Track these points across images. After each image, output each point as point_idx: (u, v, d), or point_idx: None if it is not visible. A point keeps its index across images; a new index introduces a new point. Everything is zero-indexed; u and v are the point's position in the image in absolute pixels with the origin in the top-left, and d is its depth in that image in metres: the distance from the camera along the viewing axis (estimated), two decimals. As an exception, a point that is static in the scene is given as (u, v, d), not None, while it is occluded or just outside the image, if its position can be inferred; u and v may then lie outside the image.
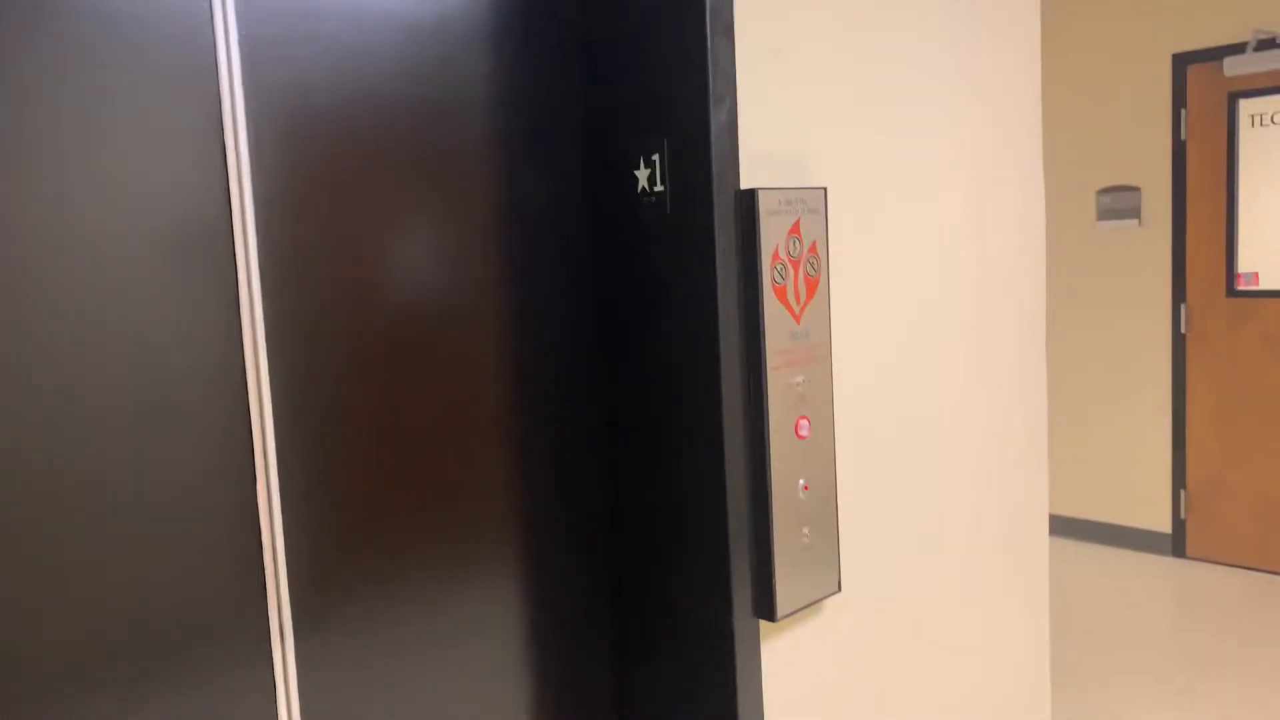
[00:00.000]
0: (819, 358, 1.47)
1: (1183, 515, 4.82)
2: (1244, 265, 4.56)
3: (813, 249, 1.45)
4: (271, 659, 1.22)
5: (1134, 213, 4.82)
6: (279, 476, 1.21)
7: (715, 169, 1.34)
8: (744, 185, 1.39)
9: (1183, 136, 4.66)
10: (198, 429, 1.15)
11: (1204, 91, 4.59)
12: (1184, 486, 4.80)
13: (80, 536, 1.07)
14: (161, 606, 1.13)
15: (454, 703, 1.41)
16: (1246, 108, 4.49)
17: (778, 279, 1.39)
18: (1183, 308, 4.72)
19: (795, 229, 1.41)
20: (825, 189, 1.47)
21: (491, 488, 1.42)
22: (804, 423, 1.46)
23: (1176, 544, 4.86)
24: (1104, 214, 4.91)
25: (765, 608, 1.44)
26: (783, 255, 1.40)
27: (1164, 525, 4.89)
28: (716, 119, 1.34)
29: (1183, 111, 4.64)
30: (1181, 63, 4.63)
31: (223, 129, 1.16)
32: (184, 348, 1.14)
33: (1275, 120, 4.41)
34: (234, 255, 1.17)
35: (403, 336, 1.32)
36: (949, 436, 1.80)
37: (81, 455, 1.07)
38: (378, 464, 1.31)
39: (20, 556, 1.04)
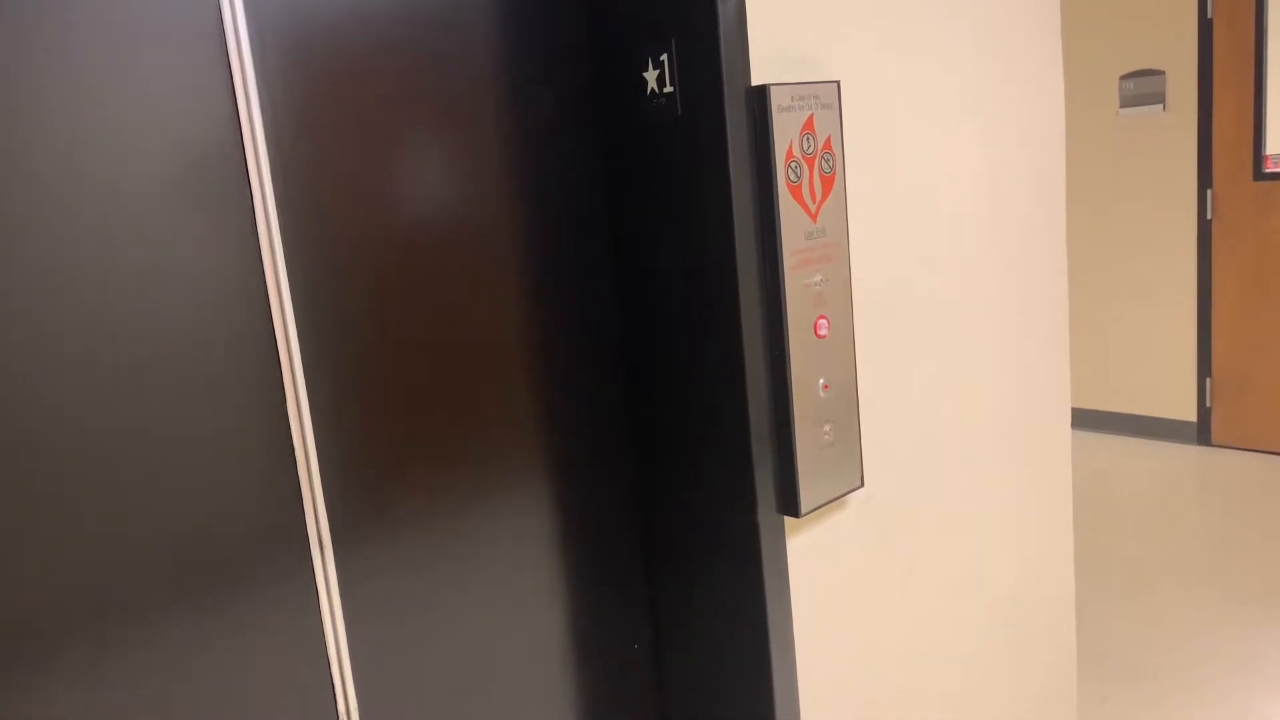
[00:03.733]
0: (836, 256, 1.47)
1: (1208, 404, 4.81)
2: (1272, 147, 4.44)
3: (827, 145, 1.43)
4: (313, 570, 1.26)
5: (1158, 98, 4.69)
6: (308, 394, 1.24)
7: (725, 67, 1.32)
8: (755, 82, 1.36)
9: (1209, 14, 4.50)
10: (225, 351, 1.17)
11: (1232, -34, 4.41)
12: (1210, 375, 4.78)
13: (123, 462, 1.10)
14: (205, 526, 1.17)
15: (490, 608, 1.45)
16: (1277, -20, 4.32)
17: (792, 177, 1.38)
18: (1209, 193, 4.63)
19: (808, 125, 1.39)
20: (838, 83, 1.44)
21: (515, 399, 1.44)
22: (823, 322, 1.46)
23: (1202, 432, 4.86)
24: (1127, 100, 4.78)
25: (789, 505, 1.47)
26: (796, 153, 1.38)
27: (1189, 414, 4.89)
28: (724, 15, 1.31)
29: (1209, -12, 4.47)
30: (1208, -64, 4.45)
31: (227, 50, 1.15)
32: (206, 272, 1.15)
33: (1306, -7, 4.25)
34: (247, 177, 1.17)
35: (420, 252, 1.32)
36: (969, 331, 1.80)
37: (117, 384, 1.09)
38: (404, 379, 1.33)
39: (68, 482, 1.07)
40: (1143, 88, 4.73)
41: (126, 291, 1.10)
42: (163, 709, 1.16)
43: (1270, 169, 4.46)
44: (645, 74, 1.40)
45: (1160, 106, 4.70)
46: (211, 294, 1.16)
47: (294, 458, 1.23)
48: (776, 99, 1.35)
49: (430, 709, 1.40)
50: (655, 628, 1.65)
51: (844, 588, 1.62)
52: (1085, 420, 5.26)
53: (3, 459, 1.03)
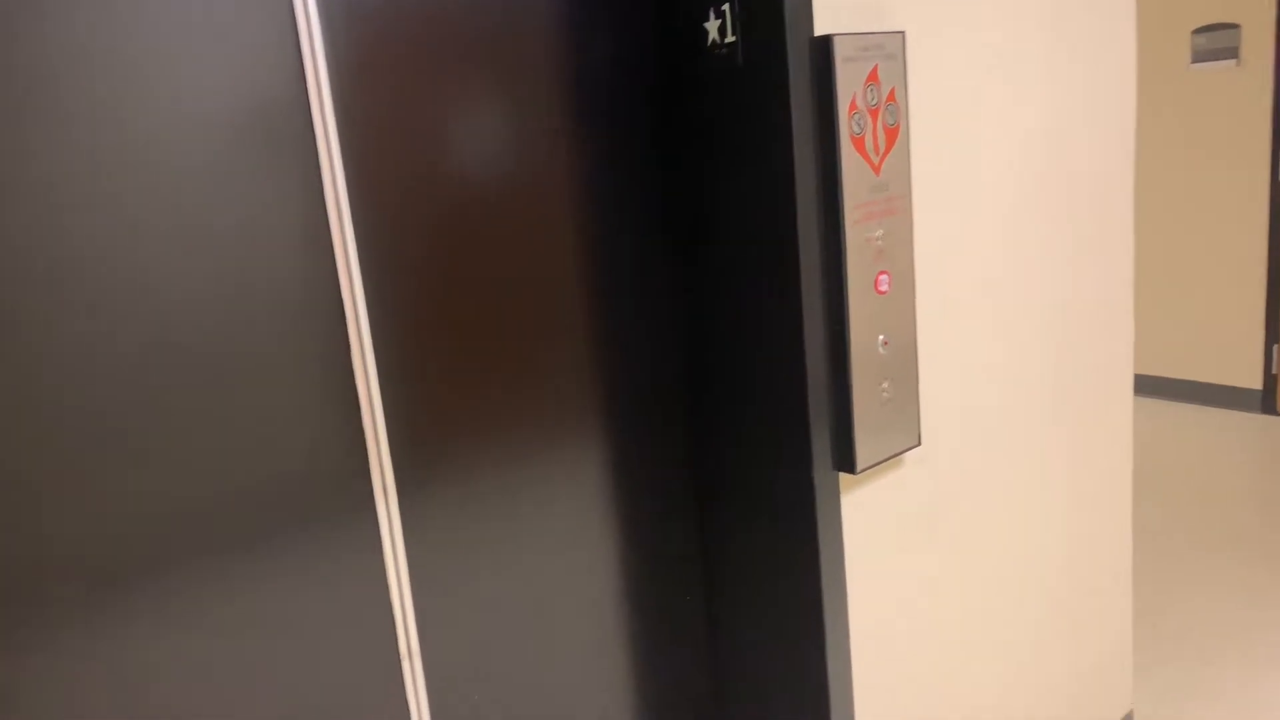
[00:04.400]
0: (899, 210, 1.44)
1: (1274, 370, 4.68)
2: (1352, 105, 4.27)
3: (891, 97, 1.40)
4: (376, 514, 1.29)
5: (1232, 52, 4.52)
6: (372, 341, 1.25)
7: (787, 16, 1.29)
8: (818, 32, 1.34)
9: (1289, -34, 4.32)
10: (292, 297, 1.19)
11: (1316, -86, 4.22)
12: (1277, 341, 4.65)
13: (196, 412, 1.13)
14: (275, 469, 1.20)
15: (545, 554, 1.47)
16: (1363, -71, 4.12)
17: (855, 129, 1.36)
18: (1282, 153, 4.47)
19: (873, 76, 1.37)
20: (903, 33, 1.41)
21: (572, 349, 1.45)
22: (883, 277, 1.45)
23: (1267, 400, 4.74)
24: (1199, 55, 4.62)
25: (845, 461, 1.46)
26: (860, 104, 1.36)
27: (1254, 382, 4.76)
28: (789, -38, 1.28)
29: (1291, -63, 4.29)
30: (1291, -118, 4.25)
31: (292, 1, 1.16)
32: (274, 220, 1.17)
33: (1395, -58, 4.05)
34: (312, 126, 1.18)
35: (481, 202, 1.33)
36: (1032, 291, 1.77)
37: (188, 335, 1.12)
38: (465, 327, 1.34)
39: (145, 431, 1.10)
40: (1215, 42, 4.56)
41: (197, 236, 1.12)
42: (233, 646, 1.19)
43: (1349, 128, 4.29)
44: (706, 24, 1.39)
45: (1234, 61, 4.54)
46: (278, 241, 1.17)
47: (358, 403, 1.25)
48: (840, 49, 1.33)
49: (487, 647, 1.43)
50: (707, 580, 1.66)
51: (897, 546, 1.61)
52: (1147, 386, 5.15)
53: (91, 402, 1.06)
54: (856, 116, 1.36)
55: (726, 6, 1.35)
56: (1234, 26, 4.53)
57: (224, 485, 1.17)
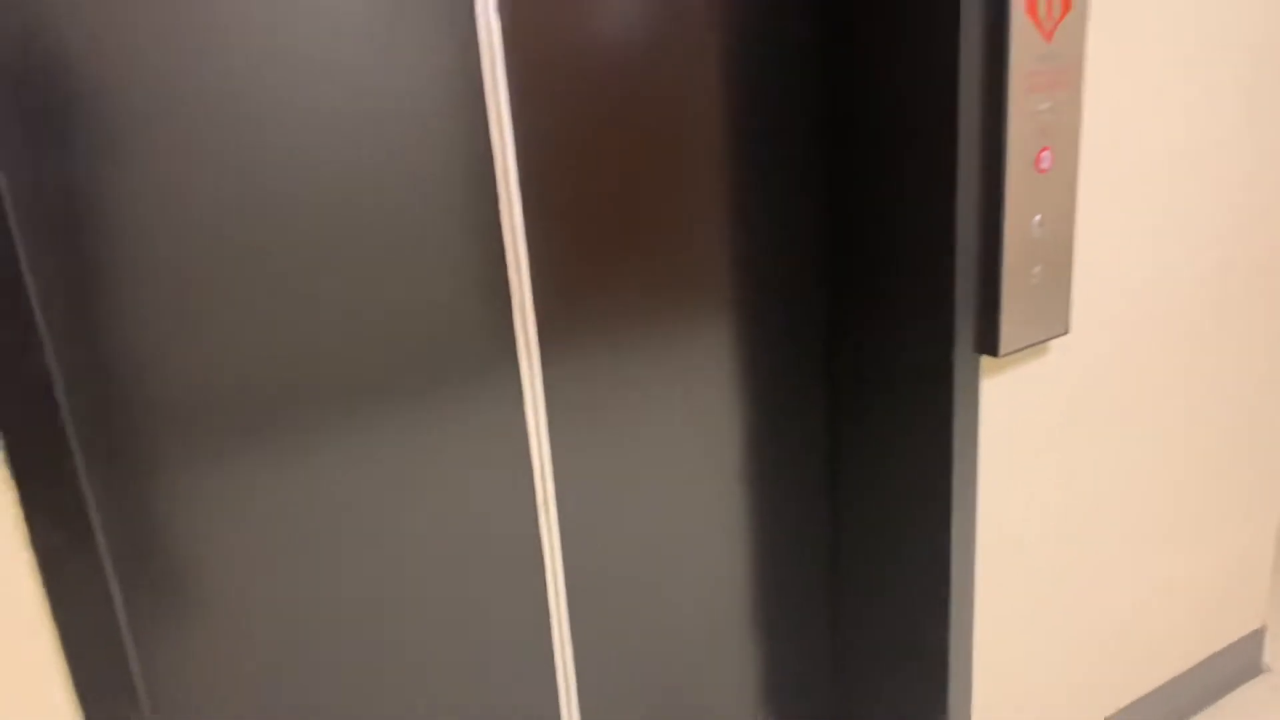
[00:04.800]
0: (1069, 83, 1.36)
1: None
2: None
3: (1071, -43, 1.31)
4: (519, 367, 1.33)
5: None
6: (521, 201, 1.28)
7: None
8: (998, -116, 1.25)
9: None
10: (447, 153, 1.22)
11: None
12: None
13: (361, 267, 1.18)
14: (431, 325, 1.25)
15: (676, 420, 1.50)
16: None
17: (1029, -9, 1.28)
18: None
19: (1053, -67, 1.28)
20: (1092, -114, 1.30)
21: (715, 221, 1.44)
22: (1046, 154, 1.38)
23: None
24: None
25: (988, 344, 1.43)
26: (1037, -36, 1.27)
27: None
28: None
29: None
30: None
31: None
32: (431, 77, 1.19)
33: None
34: (471, -24, 1.19)
35: (632, 66, 1.32)
36: (1205, 179, 1.66)
37: (364, 195, 1.16)
38: (611, 193, 1.35)
39: (313, 288, 1.16)
40: None
41: (364, 93, 1.15)
42: (389, 484, 1.27)
43: None
44: (876, -124, 1.31)
45: None
46: (434, 96, 1.19)
47: (505, 263, 1.29)
48: (1021, -98, 1.24)
49: (617, 503, 1.48)
50: (835, 457, 1.67)
51: (1035, 437, 1.58)
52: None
53: (265, 251, 1.12)
54: (1032, -23, 1.27)
55: None
56: None
57: (389, 333, 1.22)
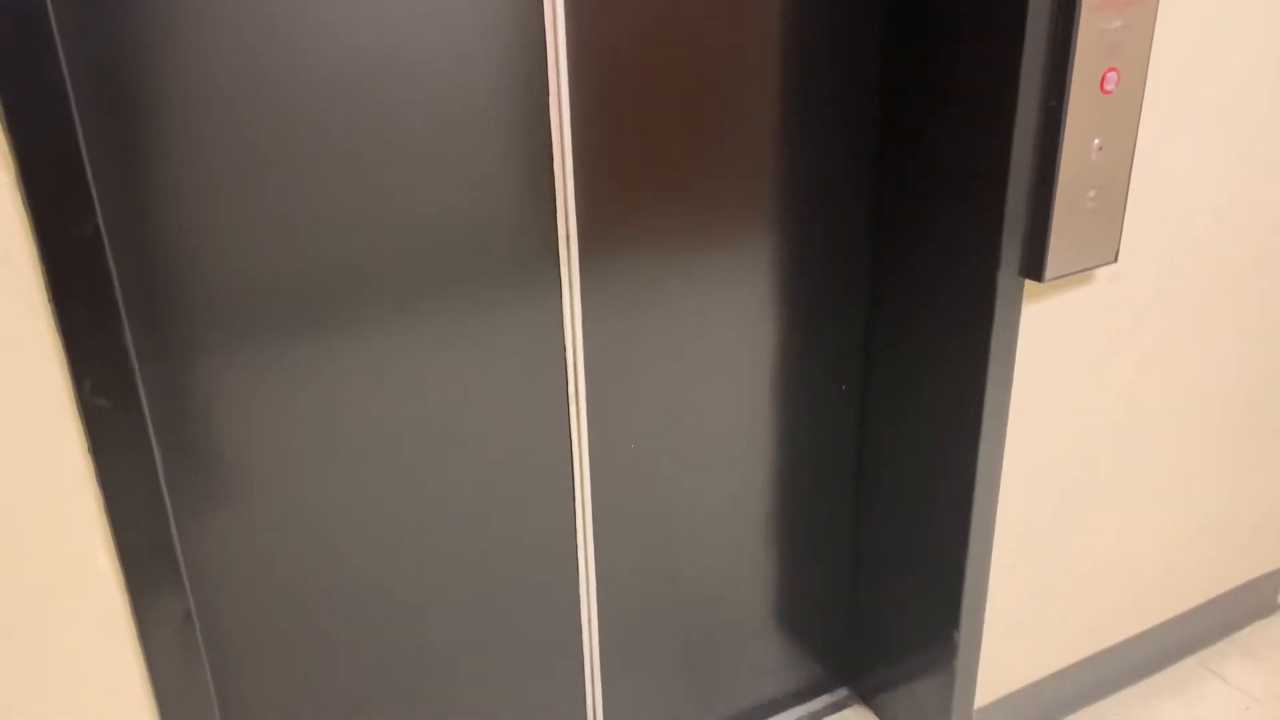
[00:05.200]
0: (1143, 1, 1.31)
1: None
2: None
3: None
4: (559, 266, 1.34)
5: None
6: (571, 112, 1.26)
7: None
8: None
9: None
10: (500, 59, 1.20)
11: None
12: None
13: (411, 160, 1.18)
14: (472, 224, 1.25)
15: (710, 323, 1.50)
16: None
17: (1113, -101, 1.22)
18: None
19: None
20: None
21: (759, 131, 1.42)
22: (1112, 75, 1.33)
23: None
24: None
25: (1034, 268, 1.41)
26: None
27: None
28: None
29: None
30: None
31: None
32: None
33: None
34: None
35: (689, -45, 1.28)
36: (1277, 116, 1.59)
37: (420, 96, 1.15)
38: (657, 100, 1.32)
39: (363, 180, 1.16)
40: None
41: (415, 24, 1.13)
42: (426, 374, 1.29)
43: None
44: None
45: None
46: (488, 20, 1.17)
47: (551, 159, 1.28)
48: None
49: (647, 402, 1.50)
50: (866, 372, 1.67)
51: (1073, 366, 1.57)
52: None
53: (317, 138, 1.12)
54: (1117, -116, 1.21)
55: None
56: None
57: (435, 228, 1.23)
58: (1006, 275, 1.40)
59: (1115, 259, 1.47)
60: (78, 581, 1.05)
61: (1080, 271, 1.44)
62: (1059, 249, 1.40)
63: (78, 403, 0.98)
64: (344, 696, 1.41)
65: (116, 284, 0.96)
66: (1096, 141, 1.36)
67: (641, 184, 1.36)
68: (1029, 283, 1.43)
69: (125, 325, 0.98)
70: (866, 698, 1.89)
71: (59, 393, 0.97)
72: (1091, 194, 1.39)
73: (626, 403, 1.48)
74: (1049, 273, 1.40)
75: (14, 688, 1.06)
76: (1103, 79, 1.32)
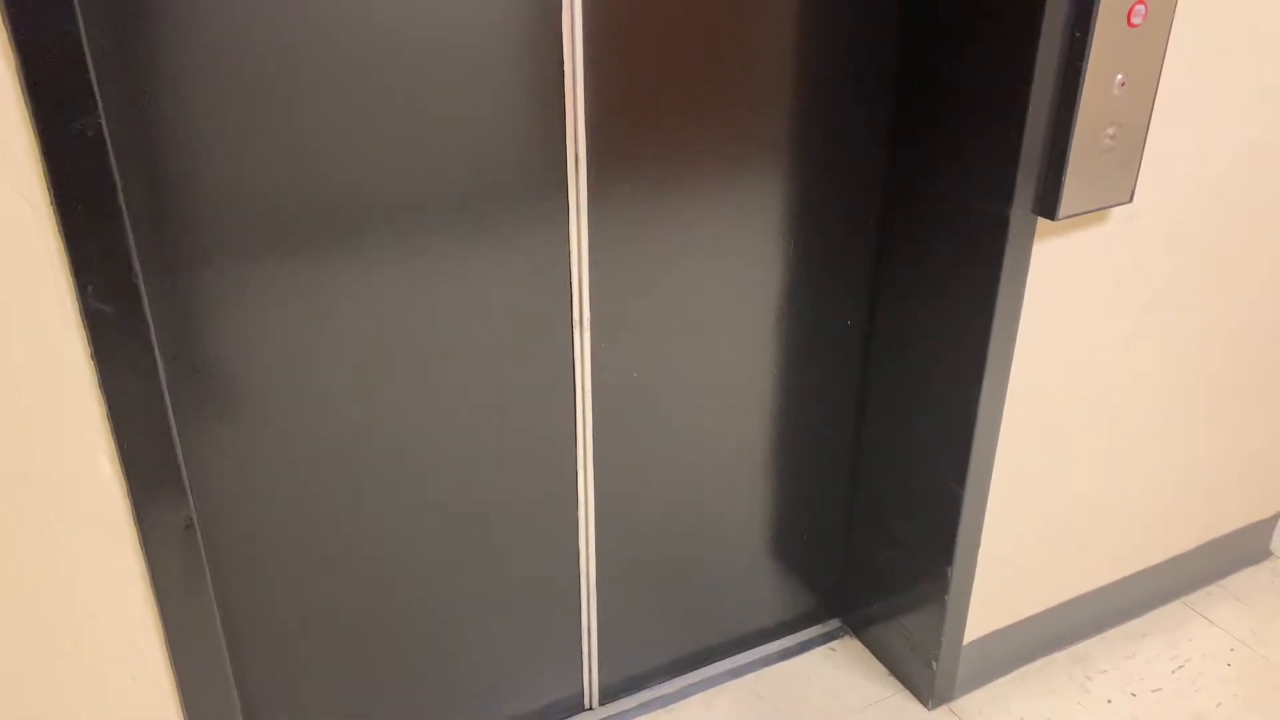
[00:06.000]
0: (1177, -71, 1.27)
1: None
2: None
3: None
4: (567, 194, 1.32)
5: None
6: (583, 29, 1.23)
7: None
8: None
9: None
10: (514, 11, 1.17)
11: None
12: None
13: (420, 86, 1.15)
14: (481, 143, 1.23)
15: (717, 256, 1.49)
16: None
17: None
18: None
19: None
20: None
21: (779, 59, 1.39)
22: (1140, 8, 1.30)
23: None
24: None
25: (1047, 206, 1.39)
26: None
27: None
28: None
29: None
30: None
31: None
32: None
33: None
34: None
35: None
36: (1304, 50, 1.56)
37: (436, 22, 1.12)
38: (677, 23, 1.29)
39: (370, 94, 1.13)
40: None
41: None
42: (439, 290, 1.28)
43: None
44: None
45: None
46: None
47: (562, 79, 1.25)
48: None
49: (650, 328, 1.49)
50: (871, 309, 1.66)
51: (1080, 307, 1.56)
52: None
53: (324, 48, 1.09)
54: None
55: None
56: None
57: (444, 144, 1.21)
58: (1019, 212, 1.38)
59: (1130, 199, 1.46)
60: (81, 486, 1.06)
61: (1094, 211, 1.43)
62: (1074, 187, 1.38)
63: (80, 306, 0.98)
64: (340, 609, 1.43)
65: (120, 187, 0.95)
66: (1119, 77, 1.33)
67: (654, 107, 1.34)
68: (1041, 220, 1.42)
69: (128, 230, 0.97)
70: (858, 629, 1.92)
71: (61, 295, 0.96)
72: (1111, 132, 1.37)
73: (631, 331, 1.47)
74: (1063, 211, 1.38)
75: (18, 592, 1.07)
76: (1130, 12, 1.29)
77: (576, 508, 1.56)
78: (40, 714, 1.14)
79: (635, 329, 1.47)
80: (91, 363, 1.01)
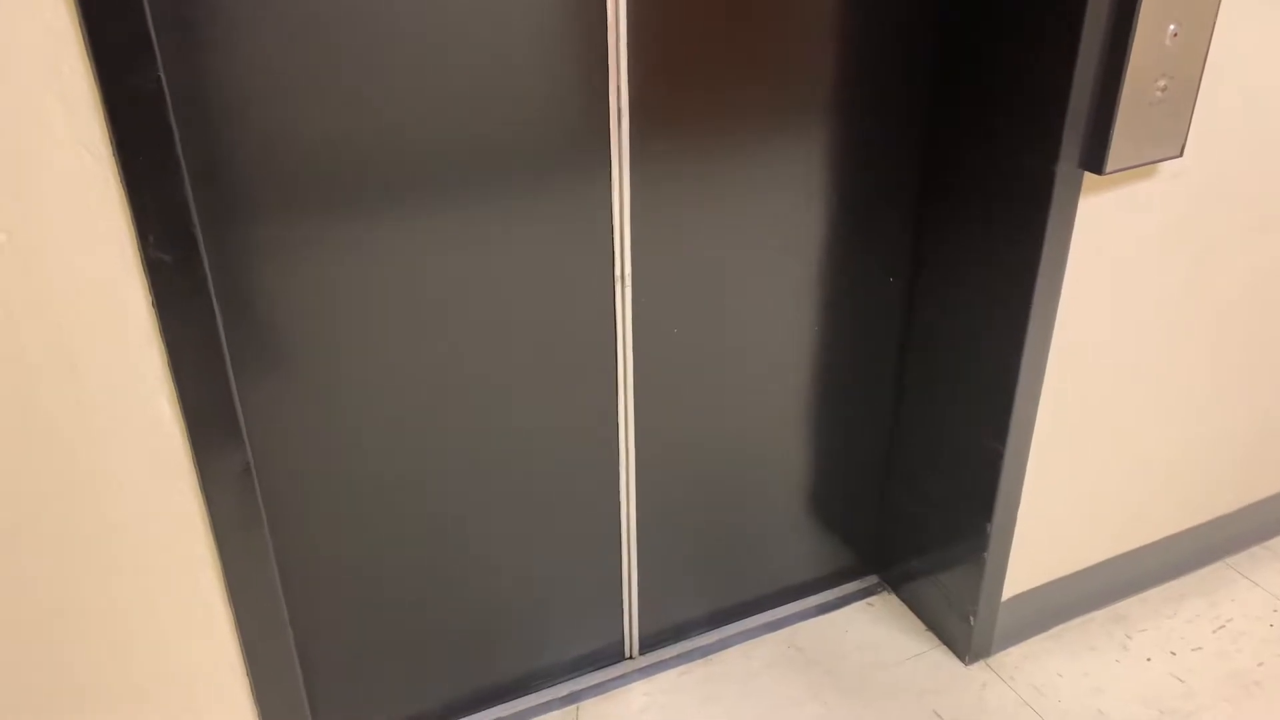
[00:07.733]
0: (1235, -127, 1.24)
1: None
2: None
3: None
4: (611, 156, 1.33)
5: None
6: (627, 11, 1.23)
7: None
8: None
9: None
10: (553, -100, 1.17)
11: None
12: None
13: (476, 59, 1.17)
14: (524, 109, 1.24)
15: (758, 210, 1.49)
16: None
17: None
18: None
19: None
20: None
21: (820, 17, 1.38)
22: (1193, -45, 1.27)
23: None
24: None
25: (1094, 160, 1.37)
26: None
27: None
28: None
29: None
30: None
31: None
32: None
33: None
34: None
35: None
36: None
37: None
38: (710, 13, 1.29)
39: (423, 61, 1.15)
40: None
41: None
42: (483, 245, 1.30)
43: None
44: None
45: None
46: None
47: (606, 41, 1.26)
48: None
49: (691, 285, 1.50)
50: (915, 265, 1.66)
51: (1127, 263, 1.54)
52: None
53: (402, 34, 1.11)
54: None
55: None
56: None
57: (495, 110, 1.22)
58: (1066, 166, 1.37)
59: (1180, 154, 1.43)
60: (143, 431, 1.10)
61: (1142, 165, 1.41)
62: (1122, 141, 1.36)
63: (141, 255, 1.01)
64: (387, 554, 1.47)
65: (178, 139, 0.98)
66: (1172, 28, 1.31)
67: (698, 64, 1.34)
68: (1088, 175, 1.40)
69: (186, 181, 1.00)
70: (895, 585, 1.94)
71: (123, 244, 1.00)
72: (1161, 84, 1.35)
73: (672, 288, 1.48)
74: (1110, 165, 1.37)
75: (84, 535, 1.12)
76: (1184, -40, 1.27)
77: (618, 461, 1.58)
78: (104, 647, 1.20)
79: (676, 285, 1.48)
80: (152, 310, 1.04)
